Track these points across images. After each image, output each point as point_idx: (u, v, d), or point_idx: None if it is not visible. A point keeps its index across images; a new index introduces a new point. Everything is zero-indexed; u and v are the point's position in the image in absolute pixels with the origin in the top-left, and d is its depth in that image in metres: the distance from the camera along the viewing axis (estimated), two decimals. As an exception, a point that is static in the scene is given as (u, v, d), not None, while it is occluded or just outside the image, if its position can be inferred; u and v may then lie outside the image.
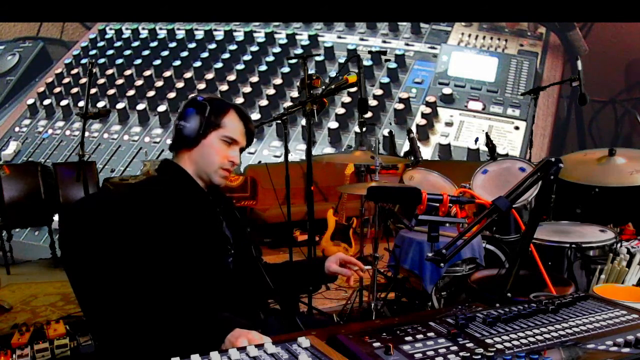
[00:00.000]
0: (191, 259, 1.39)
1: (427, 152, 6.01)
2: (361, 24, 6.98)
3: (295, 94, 6.41)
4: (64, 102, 6.98)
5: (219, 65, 6.81)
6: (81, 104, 6.67)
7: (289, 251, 3.13)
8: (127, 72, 6.99)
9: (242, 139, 1.55)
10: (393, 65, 6.49)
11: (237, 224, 1.58)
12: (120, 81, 6.95)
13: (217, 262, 1.47)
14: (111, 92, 6.92)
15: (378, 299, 2.97)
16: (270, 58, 6.79)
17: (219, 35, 7.11)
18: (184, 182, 1.50)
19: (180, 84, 6.77)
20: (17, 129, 7.01)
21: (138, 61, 7.07)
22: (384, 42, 6.84)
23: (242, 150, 1.59)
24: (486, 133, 3.43)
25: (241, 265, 1.54)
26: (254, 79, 6.63)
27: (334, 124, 6.13)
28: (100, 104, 6.80)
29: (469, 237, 1.32)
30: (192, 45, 7.02)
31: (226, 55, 6.88)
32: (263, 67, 6.68)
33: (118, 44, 7.35)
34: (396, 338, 1.01)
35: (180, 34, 7.20)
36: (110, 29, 7.52)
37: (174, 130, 1.52)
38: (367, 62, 6.42)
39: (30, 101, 7.15)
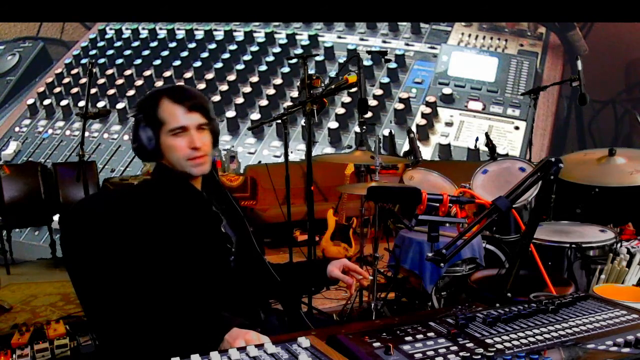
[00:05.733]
0: (188, 258, 1.39)
1: (427, 152, 6.01)
2: (361, 24, 6.97)
3: (295, 94, 6.40)
4: (64, 102, 6.98)
5: (219, 65, 6.81)
6: (81, 104, 6.66)
7: (289, 251, 3.12)
8: (127, 72, 6.98)
9: (189, 119, 1.40)
10: (393, 65, 6.48)
11: (239, 223, 1.57)
12: (120, 81, 6.94)
13: (216, 261, 1.46)
14: (111, 92, 6.91)
15: (378, 299, 2.97)
16: (270, 58, 6.79)
17: (219, 35, 7.10)
18: (177, 183, 1.49)
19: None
20: (17, 129, 7.00)
21: (138, 61, 7.07)
22: (384, 42, 6.84)
23: (207, 126, 1.44)
24: (486, 133, 3.42)
25: (243, 264, 1.53)
26: (254, 79, 6.63)
27: (334, 124, 6.12)
28: (100, 104, 6.79)
29: (469, 237, 1.32)
30: (192, 45, 7.02)
31: (226, 55, 6.88)
32: (263, 67, 6.68)
33: (118, 44, 7.35)
34: (396, 338, 1.01)
35: (180, 34, 7.20)
36: (110, 29, 7.52)
37: (135, 152, 1.47)
38: (367, 62, 6.42)
39: (30, 101, 7.14)
